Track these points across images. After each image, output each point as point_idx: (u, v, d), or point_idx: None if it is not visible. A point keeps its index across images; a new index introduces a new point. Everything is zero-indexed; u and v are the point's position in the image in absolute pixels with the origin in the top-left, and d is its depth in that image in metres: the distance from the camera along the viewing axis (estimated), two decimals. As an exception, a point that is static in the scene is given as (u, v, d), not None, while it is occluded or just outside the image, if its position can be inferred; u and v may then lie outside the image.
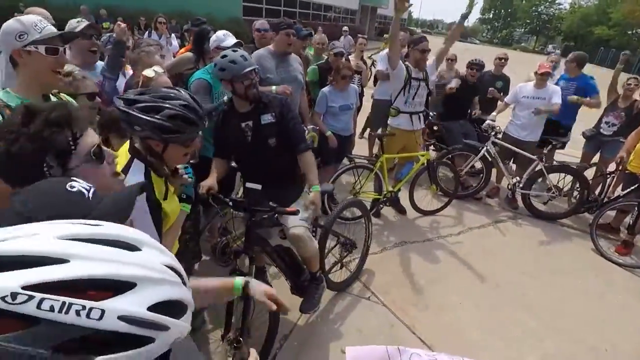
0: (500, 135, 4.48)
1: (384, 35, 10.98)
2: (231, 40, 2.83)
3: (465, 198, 4.60)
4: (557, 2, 66.50)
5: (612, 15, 43.03)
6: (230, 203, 1.97)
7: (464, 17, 3.49)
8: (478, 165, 4.63)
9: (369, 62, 6.63)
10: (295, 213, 1.93)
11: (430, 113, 4.93)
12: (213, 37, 2.90)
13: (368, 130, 5.66)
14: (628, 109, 4.30)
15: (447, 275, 3.23)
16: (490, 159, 4.41)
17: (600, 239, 3.93)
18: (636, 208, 3.76)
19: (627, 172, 3.98)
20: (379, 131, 4.36)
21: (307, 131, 3.27)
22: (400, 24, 3.26)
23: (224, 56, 2.01)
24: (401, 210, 4.17)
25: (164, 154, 1.33)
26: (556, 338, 2.67)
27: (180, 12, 11.91)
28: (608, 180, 4.35)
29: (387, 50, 4.97)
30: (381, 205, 3.85)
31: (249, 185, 1.97)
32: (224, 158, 2.31)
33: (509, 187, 4.49)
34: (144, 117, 1.22)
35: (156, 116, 1.23)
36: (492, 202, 4.73)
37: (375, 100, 4.99)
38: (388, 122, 3.85)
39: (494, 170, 4.60)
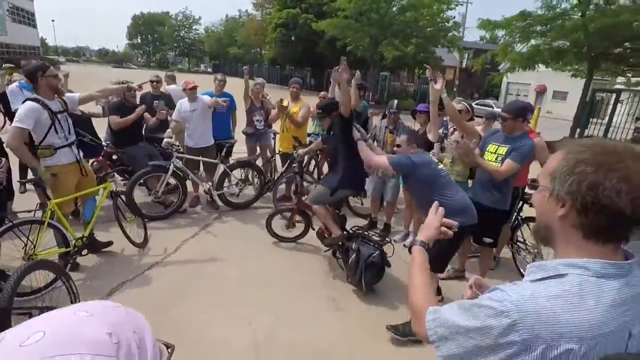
0: (181, 149, 4.78)
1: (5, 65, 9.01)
2: None
3: (171, 215, 4.66)
4: (194, 27, 75.87)
5: (237, 38, 53.74)
6: None
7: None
8: (172, 181, 4.77)
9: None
10: None
11: (104, 142, 4.58)
12: None
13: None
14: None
15: (189, 290, 3.25)
16: (181, 173, 4.65)
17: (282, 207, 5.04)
18: (296, 177, 5.06)
19: (280, 153, 5.28)
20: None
21: None
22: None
23: None
24: (107, 244, 3.70)
25: None
26: (282, 293, 3.30)
27: None
28: (272, 163, 5.60)
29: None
30: (75, 257, 3.27)
31: None
32: None
33: (206, 192, 4.92)
34: None
35: None
36: (198, 210, 5.05)
37: None
38: (46, 164, 3.21)
39: (188, 182, 4.89)
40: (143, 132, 5.04)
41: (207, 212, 5.00)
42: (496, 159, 3.05)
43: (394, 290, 3.51)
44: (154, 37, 79.23)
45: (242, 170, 5.35)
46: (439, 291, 3.31)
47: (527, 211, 3.99)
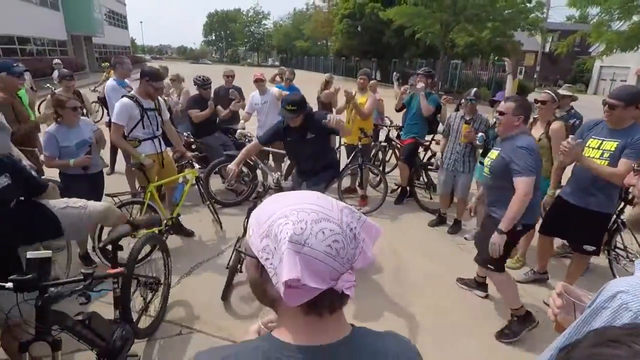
0: (254, 140, 4.99)
1: (104, 64, 10.11)
2: None
3: (243, 202, 4.90)
4: (263, 23, 78.53)
5: (304, 31, 54.46)
6: (10, 284, 1.46)
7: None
8: (244, 170, 5.02)
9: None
10: (122, 274, 1.82)
11: (184, 133, 4.95)
12: None
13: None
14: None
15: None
16: (252, 163, 4.86)
17: (346, 199, 5.05)
18: (358, 169, 5.04)
19: (345, 144, 5.28)
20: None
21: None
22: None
23: None
24: (189, 234, 4.05)
25: None
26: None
27: None
28: (337, 154, 5.61)
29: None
30: (166, 236, 3.62)
31: (33, 254, 1.47)
32: None
33: (274, 181, 5.08)
34: None
35: None
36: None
37: None
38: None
39: (258, 171, 5.10)
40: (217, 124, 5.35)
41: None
42: (601, 155, 2.65)
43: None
44: (226, 34, 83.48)
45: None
46: (484, 287, 3.23)
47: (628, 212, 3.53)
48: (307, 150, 3.33)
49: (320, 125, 3.16)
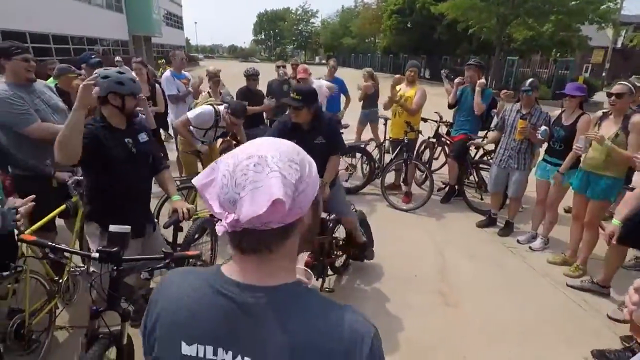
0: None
1: (160, 61, 10.70)
2: None
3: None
4: (311, 21, 79.23)
5: (351, 29, 54.15)
6: (97, 255, 1.55)
7: None
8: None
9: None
10: (199, 256, 1.88)
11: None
12: None
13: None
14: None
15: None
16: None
17: (390, 196, 4.89)
18: (404, 165, 4.86)
19: (391, 139, 5.11)
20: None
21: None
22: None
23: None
24: None
25: None
26: (382, 278, 3.21)
27: None
28: (382, 149, 5.47)
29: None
30: (216, 219, 3.75)
31: (115, 228, 1.56)
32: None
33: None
34: None
35: None
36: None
37: None
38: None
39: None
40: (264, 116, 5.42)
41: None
42: None
43: (506, 287, 3.10)
44: (275, 33, 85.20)
45: (352, 155, 5.37)
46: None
47: None
48: (312, 156, 3.00)
49: (332, 130, 2.83)
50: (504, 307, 2.97)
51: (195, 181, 0.64)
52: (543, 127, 3.53)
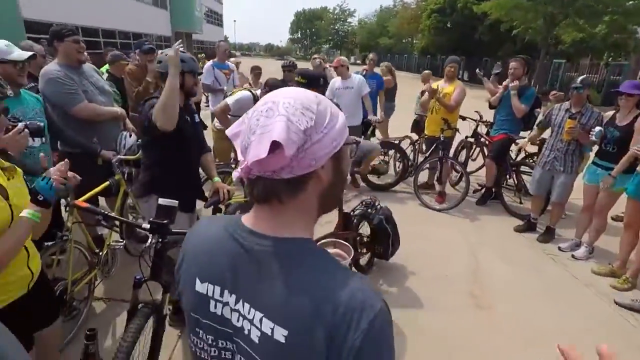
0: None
1: (200, 55, 11.05)
2: (19, 52, 2.30)
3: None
4: (348, 20, 79.03)
5: (389, 28, 53.48)
6: (147, 225, 1.61)
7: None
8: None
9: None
10: None
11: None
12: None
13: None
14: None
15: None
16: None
17: (423, 195, 4.77)
18: (438, 163, 4.72)
19: (426, 137, 4.98)
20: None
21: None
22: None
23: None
24: None
25: None
26: (413, 276, 3.13)
27: None
28: (416, 146, 5.35)
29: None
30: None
31: (164, 202, 1.62)
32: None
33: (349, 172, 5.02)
34: None
35: None
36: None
37: None
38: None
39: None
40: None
41: (346, 190, 5.10)
42: None
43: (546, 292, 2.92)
44: (311, 32, 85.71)
45: (385, 152, 5.27)
46: None
47: None
48: None
49: None
50: (542, 313, 2.81)
51: (229, 131, 0.65)
52: (598, 128, 3.31)
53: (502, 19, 18.77)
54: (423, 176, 5.14)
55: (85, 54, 2.81)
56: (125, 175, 2.75)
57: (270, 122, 0.57)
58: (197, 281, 0.68)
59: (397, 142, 5.26)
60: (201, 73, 5.40)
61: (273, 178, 0.59)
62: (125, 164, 2.77)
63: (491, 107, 4.73)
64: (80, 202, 1.85)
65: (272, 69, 7.23)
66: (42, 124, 2.02)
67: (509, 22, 18.56)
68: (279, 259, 0.61)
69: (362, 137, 4.96)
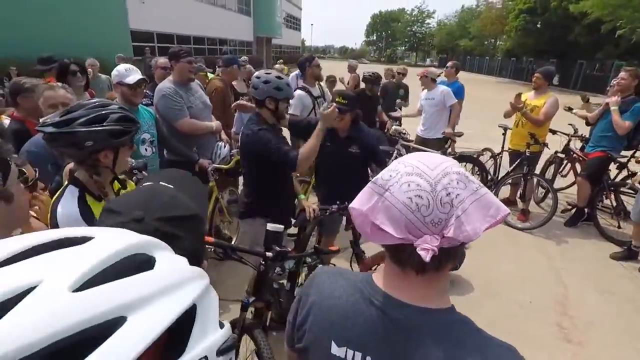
0: (408, 137, 4.94)
1: (279, 61, 11.56)
2: (136, 75, 2.70)
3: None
4: (426, 22, 76.64)
5: (470, 29, 50.81)
6: (271, 254, 1.71)
7: None
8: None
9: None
10: (338, 251, 2.01)
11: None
12: (114, 72, 2.76)
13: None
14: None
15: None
16: (403, 159, 4.83)
17: (503, 211, 4.52)
18: (522, 179, 4.44)
19: (510, 150, 4.72)
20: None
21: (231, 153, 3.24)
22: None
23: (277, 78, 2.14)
24: None
25: (115, 162, 1.28)
26: (493, 301, 3.00)
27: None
28: (498, 160, 5.08)
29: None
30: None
31: (272, 227, 1.71)
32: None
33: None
34: (93, 128, 1.17)
35: (104, 123, 1.20)
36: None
37: None
38: None
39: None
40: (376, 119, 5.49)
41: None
42: None
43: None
44: (387, 34, 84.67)
45: (463, 165, 5.09)
46: None
47: None
48: (344, 165, 2.66)
49: (368, 142, 2.67)
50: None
51: (357, 207, 0.63)
52: None
53: (603, 18, 16.82)
54: (504, 192, 4.88)
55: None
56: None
57: (469, 194, 0.59)
58: (333, 344, 0.67)
59: (475, 155, 5.05)
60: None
61: (455, 246, 0.59)
62: (218, 171, 3.08)
63: (588, 124, 4.34)
64: (209, 238, 1.82)
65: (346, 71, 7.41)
66: (147, 162, 2.14)
67: (613, 22, 16.56)
68: (426, 332, 0.61)
69: (440, 150, 4.86)
